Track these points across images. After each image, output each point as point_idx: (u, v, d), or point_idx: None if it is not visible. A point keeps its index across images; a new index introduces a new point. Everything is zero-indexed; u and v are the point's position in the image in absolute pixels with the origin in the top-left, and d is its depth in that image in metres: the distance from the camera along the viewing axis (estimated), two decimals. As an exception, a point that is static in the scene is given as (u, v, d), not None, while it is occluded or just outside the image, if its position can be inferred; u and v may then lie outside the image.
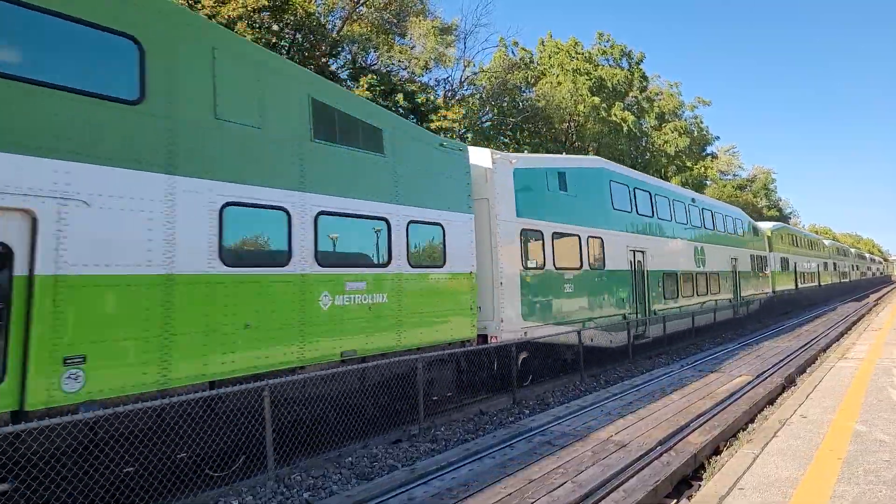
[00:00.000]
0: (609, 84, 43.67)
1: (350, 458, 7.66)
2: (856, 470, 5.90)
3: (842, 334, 21.49)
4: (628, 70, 47.52)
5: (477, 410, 10.42)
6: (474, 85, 36.34)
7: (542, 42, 45.91)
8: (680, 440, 7.74)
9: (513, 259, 12.25)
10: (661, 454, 7.15)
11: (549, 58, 44.23)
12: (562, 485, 6.13)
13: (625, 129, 42.44)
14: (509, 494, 5.90)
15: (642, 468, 6.67)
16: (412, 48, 31.35)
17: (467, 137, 31.42)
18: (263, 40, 23.29)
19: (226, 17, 22.07)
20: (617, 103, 43.66)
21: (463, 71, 35.50)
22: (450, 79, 35.50)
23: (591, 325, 14.32)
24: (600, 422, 8.72)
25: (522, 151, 35.67)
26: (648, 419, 8.80)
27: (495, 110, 36.10)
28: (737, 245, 27.02)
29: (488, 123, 35.79)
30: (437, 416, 9.79)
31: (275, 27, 25.65)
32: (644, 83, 49.48)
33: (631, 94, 47.55)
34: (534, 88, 39.66)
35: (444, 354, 10.07)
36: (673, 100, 53.21)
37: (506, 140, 36.65)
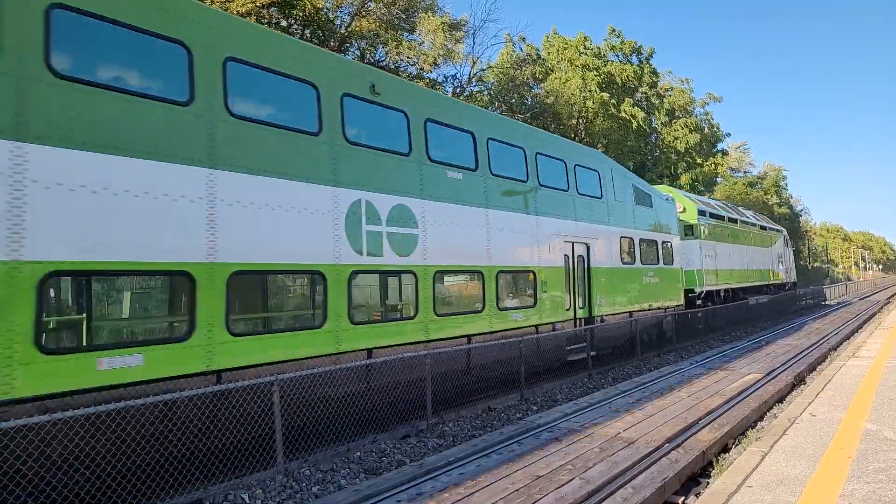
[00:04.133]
0: (618, 80, 43.49)
1: (359, 453, 7.70)
2: (866, 468, 5.87)
3: (853, 332, 21.35)
4: (638, 66, 47.26)
5: (485, 406, 10.44)
6: (483, 81, 36.29)
7: (548, 38, 45.71)
8: (688, 438, 7.72)
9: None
10: (669, 451, 7.14)
11: (557, 53, 44.05)
12: (569, 481, 6.13)
13: (634, 125, 42.24)
14: (517, 490, 5.91)
15: (650, 465, 6.67)
16: (421, 44, 31.33)
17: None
18: (273, 36, 23.29)
19: (235, 13, 22.15)
20: (626, 99, 43.46)
21: (471, 67, 35.47)
22: (458, 75, 35.48)
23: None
24: (608, 419, 8.71)
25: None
26: (656, 416, 8.79)
27: (504, 107, 36.03)
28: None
29: (497, 120, 35.68)
30: (445, 411, 9.81)
31: (283, 23, 25.71)
32: (654, 79, 49.21)
33: (641, 91, 47.29)
34: (542, 84, 39.53)
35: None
36: (684, 96, 52.94)
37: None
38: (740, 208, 33.67)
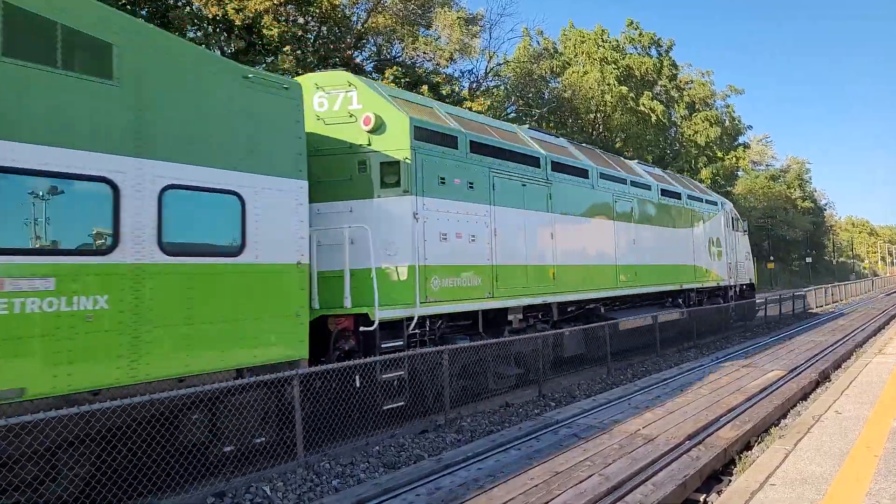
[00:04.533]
0: (637, 73, 43.07)
1: (377, 448, 7.73)
2: (893, 467, 5.76)
3: (879, 329, 20.98)
4: (657, 58, 46.73)
5: (503, 402, 10.43)
6: (499, 76, 36.14)
7: (565, 31, 45.39)
8: (709, 435, 7.64)
9: None
10: (690, 448, 7.07)
11: (574, 46, 43.73)
12: (588, 477, 6.10)
13: (653, 119, 41.80)
14: (535, 486, 5.89)
15: (671, 462, 6.60)
16: (437, 39, 31.27)
17: (492, 129, 31.26)
18: (289, 33, 23.49)
19: (252, 10, 22.30)
20: (645, 93, 43.03)
21: (488, 62, 35.32)
22: (475, 70, 35.36)
23: None
24: (627, 415, 8.64)
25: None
26: (677, 413, 8.70)
27: (520, 101, 35.87)
28: None
29: (513, 115, 35.61)
30: (463, 406, 9.82)
31: (300, 20, 25.83)
32: (674, 72, 48.65)
33: (660, 84, 46.77)
34: (559, 79, 39.27)
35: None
36: (704, 88, 52.26)
37: (531, 131, 36.40)
38: (634, 163, 19.27)
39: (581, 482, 5.97)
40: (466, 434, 8.51)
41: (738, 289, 22.71)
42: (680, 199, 18.91)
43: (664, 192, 17.88)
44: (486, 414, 9.69)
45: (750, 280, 24.33)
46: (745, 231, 24.35)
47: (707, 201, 20.97)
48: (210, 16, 21.54)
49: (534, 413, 9.67)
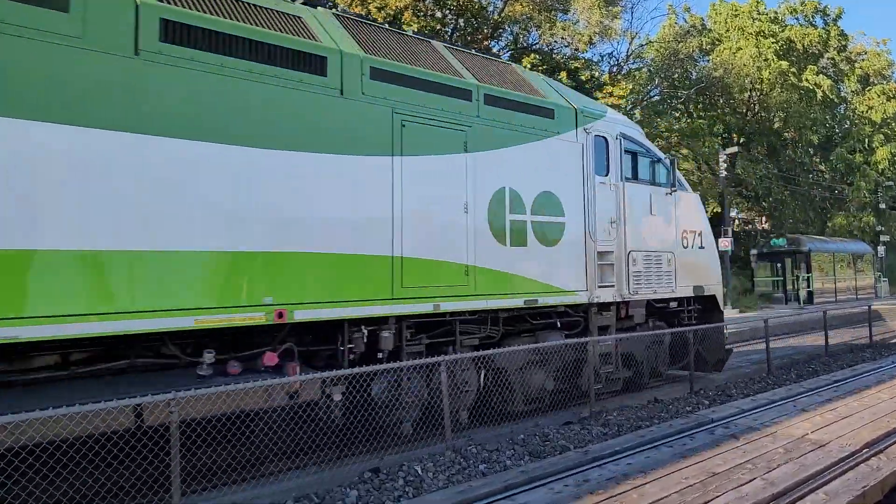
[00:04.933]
0: (799, 46, 39.06)
1: (522, 436, 7.80)
2: None
3: None
4: (823, 28, 42.07)
5: (651, 397, 10.07)
6: (641, 58, 34.49)
7: (714, 7, 42.15)
8: (893, 444, 6.85)
9: None
10: (868, 457, 6.39)
11: (725, 22, 40.56)
12: (750, 481, 5.72)
13: (819, 95, 37.71)
14: (691, 486, 5.64)
15: (845, 471, 6.01)
16: (575, 23, 30.47)
17: (634, 114, 29.95)
18: (428, 27, 24.14)
19: (393, 7, 23.25)
20: (810, 67, 38.91)
21: (629, 44, 33.81)
22: (615, 53, 34.09)
23: None
24: (793, 418, 7.98)
25: (694, 125, 33.27)
26: (852, 418, 7.88)
27: (665, 83, 34.00)
28: None
29: (657, 97, 33.85)
30: (608, 399, 9.62)
31: (438, 14, 26.44)
32: (843, 42, 43.53)
33: (826, 56, 42.10)
34: (709, 57, 36.70)
35: None
36: (880, 59, 46.26)
37: (677, 115, 34.38)
38: None
39: (741, 485, 5.62)
40: (613, 428, 8.32)
41: (631, 308, 10.43)
42: (328, 75, 7.10)
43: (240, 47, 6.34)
44: (633, 409, 9.39)
45: (695, 286, 11.31)
46: (673, 186, 10.89)
47: (502, 100, 8.46)
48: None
49: (685, 410, 9.22)
